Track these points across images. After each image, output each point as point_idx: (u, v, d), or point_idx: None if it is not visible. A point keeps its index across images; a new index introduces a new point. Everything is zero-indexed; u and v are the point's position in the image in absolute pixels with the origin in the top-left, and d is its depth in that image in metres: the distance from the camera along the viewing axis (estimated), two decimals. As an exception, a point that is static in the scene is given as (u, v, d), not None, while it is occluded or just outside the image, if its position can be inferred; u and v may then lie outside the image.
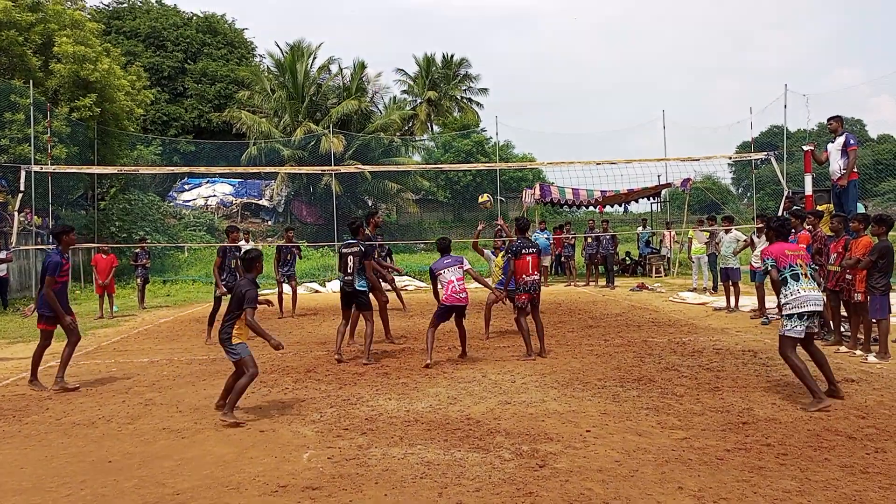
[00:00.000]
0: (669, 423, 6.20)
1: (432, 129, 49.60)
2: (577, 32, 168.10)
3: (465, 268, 9.20)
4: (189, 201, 37.01)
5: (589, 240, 20.82)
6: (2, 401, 7.77)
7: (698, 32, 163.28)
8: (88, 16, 27.50)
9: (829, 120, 11.57)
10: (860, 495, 4.52)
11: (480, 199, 14.45)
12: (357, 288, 9.55)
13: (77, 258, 23.09)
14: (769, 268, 6.85)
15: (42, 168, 17.43)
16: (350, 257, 9.59)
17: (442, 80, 50.45)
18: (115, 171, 22.83)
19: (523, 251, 9.42)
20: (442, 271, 9.16)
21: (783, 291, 6.73)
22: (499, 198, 31.77)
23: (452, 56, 51.08)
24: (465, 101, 51.97)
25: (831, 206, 11.54)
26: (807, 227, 10.40)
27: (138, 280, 17.67)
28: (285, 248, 15.24)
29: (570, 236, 22.44)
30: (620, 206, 27.36)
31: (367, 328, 9.59)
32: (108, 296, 15.59)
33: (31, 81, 20.53)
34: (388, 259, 14.97)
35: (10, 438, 6.27)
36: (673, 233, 24.15)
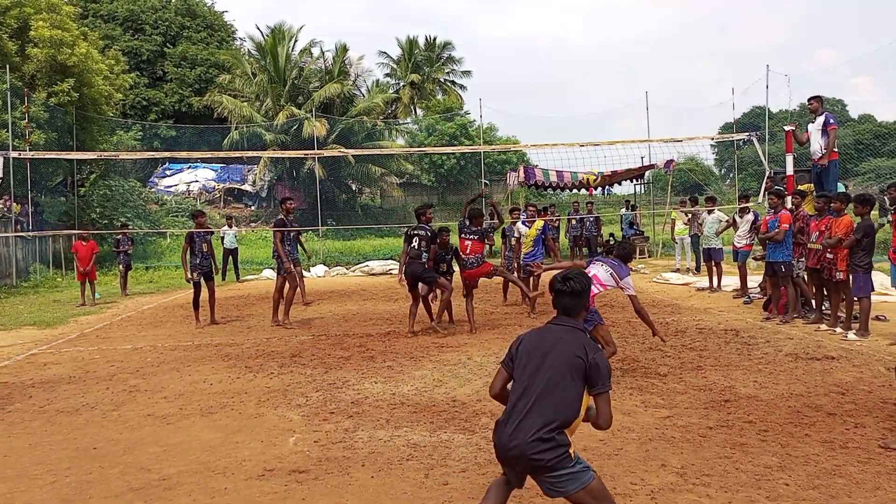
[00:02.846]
0: (653, 402, 6.27)
1: (416, 112, 49.34)
2: (559, 15, 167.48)
3: (622, 281, 7.22)
4: (171, 187, 36.68)
5: (573, 222, 20.88)
6: (-16, 389, 7.71)
7: (681, 15, 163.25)
8: (65, -1, 27.05)
9: (809, 100, 11.62)
10: (840, 469, 4.60)
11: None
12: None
13: (58, 245, 22.88)
14: None
15: (20, 154, 17.19)
16: (416, 239, 10.23)
17: (425, 63, 50.12)
18: (95, 157, 22.51)
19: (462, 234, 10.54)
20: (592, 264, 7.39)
21: None
22: (483, 181, 31.74)
23: (436, 39, 50.74)
24: (448, 83, 51.67)
25: (812, 185, 11.63)
26: (788, 207, 10.49)
27: (120, 267, 17.53)
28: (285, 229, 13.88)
29: (555, 218, 22.48)
30: (603, 188, 27.40)
31: (444, 295, 10.28)
32: (89, 283, 15.47)
33: (7, 66, 20.20)
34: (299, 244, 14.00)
35: (-7, 427, 6.23)
36: (637, 214, 24.31)
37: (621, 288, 7.19)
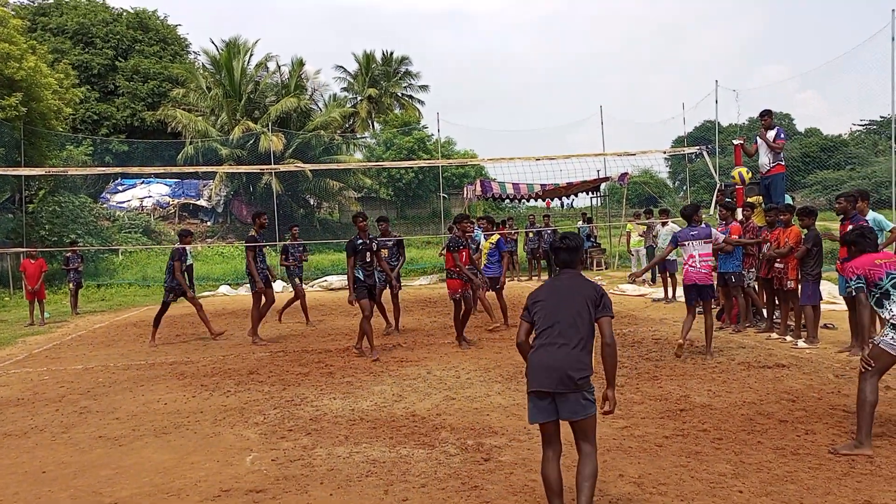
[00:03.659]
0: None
1: (373, 126, 49.28)
2: (514, 30, 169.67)
3: (715, 240, 8.84)
4: (123, 203, 35.92)
5: (531, 234, 21.05)
6: (-75, 414, 7.43)
7: (632, 29, 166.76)
8: (12, 12, 26.39)
9: (762, 115, 11.91)
10: (791, 475, 4.71)
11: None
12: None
13: (5, 264, 22.23)
14: (854, 289, 5.42)
15: (-35, 170, 16.69)
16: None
17: (382, 78, 50.15)
18: (44, 173, 21.95)
19: (460, 246, 10.22)
20: (686, 243, 8.76)
21: (887, 306, 5.27)
22: (441, 194, 31.83)
23: (392, 53, 50.81)
24: (406, 98, 51.76)
25: (761, 197, 11.93)
26: (738, 219, 10.74)
27: (71, 285, 17.08)
28: (291, 246, 13.79)
29: (513, 231, 22.64)
30: (560, 199, 27.72)
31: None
32: (38, 302, 15.06)
33: (-49, 80, 19.63)
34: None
35: (-64, 453, 6.00)
36: (594, 226, 24.70)
37: (715, 239, 8.87)
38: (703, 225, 8.83)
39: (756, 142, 11.96)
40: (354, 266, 9.52)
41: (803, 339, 9.18)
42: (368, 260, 9.63)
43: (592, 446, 4.00)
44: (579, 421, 3.94)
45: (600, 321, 4.05)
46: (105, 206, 34.36)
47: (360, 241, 9.59)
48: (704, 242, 8.64)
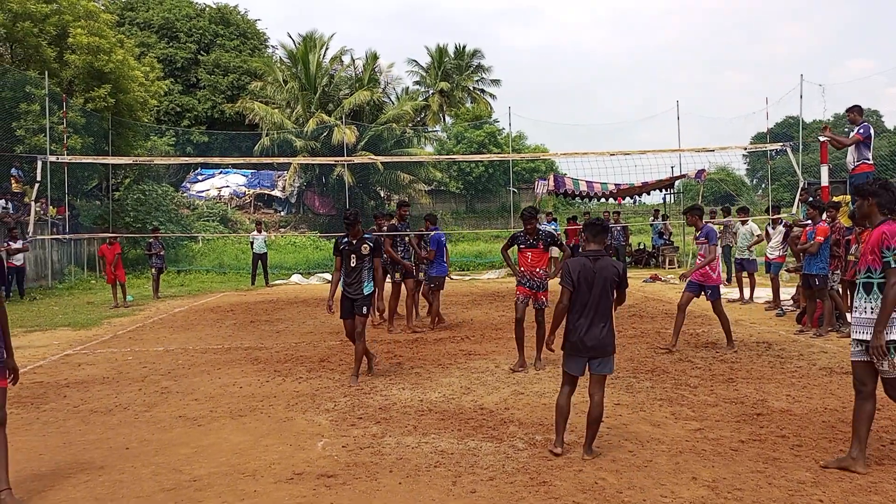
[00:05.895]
0: (683, 414, 6.19)
1: (445, 120, 49.46)
2: (587, 25, 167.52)
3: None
4: (202, 192, 37.14)
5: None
6: (20, 389, 7.84)
7: (709, 24, 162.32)
8: (102, 7, 27.53)
9: (847, 111, 11.34)
10: (875, 486, 4.51)
11: None
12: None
13: (92, 248, 23.31)
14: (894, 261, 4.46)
15: (58, 158, 17.57)
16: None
17: (454, 72, 50.24)
18: (130, 162, 22.92)
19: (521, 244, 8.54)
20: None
21: None
22: (511, 189, 31.70)
23: (465, 47, 50.87)
24: (477, 92, 51.74)
25: (848, 196, 11.43)
26: (825, 219, 10.30)
27: (153, 270, 17.81)
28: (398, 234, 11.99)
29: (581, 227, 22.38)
30: (632, 198, 27.26)
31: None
32: (119, 285, 15.74)
33: (46, 72, 20.63)
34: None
35: (29, 426, 6.34)
36: (667, 224, 24.13)
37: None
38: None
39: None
40: (340, 269, 7.95)
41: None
42: (353, 265, 7.80)
43: (603, 395, 5.18)
44: (605, 374, 5.19)
45: (621, 292, 5.27)
46: (185, 194, 35.60)
47: (345, 240, 7.93)
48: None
